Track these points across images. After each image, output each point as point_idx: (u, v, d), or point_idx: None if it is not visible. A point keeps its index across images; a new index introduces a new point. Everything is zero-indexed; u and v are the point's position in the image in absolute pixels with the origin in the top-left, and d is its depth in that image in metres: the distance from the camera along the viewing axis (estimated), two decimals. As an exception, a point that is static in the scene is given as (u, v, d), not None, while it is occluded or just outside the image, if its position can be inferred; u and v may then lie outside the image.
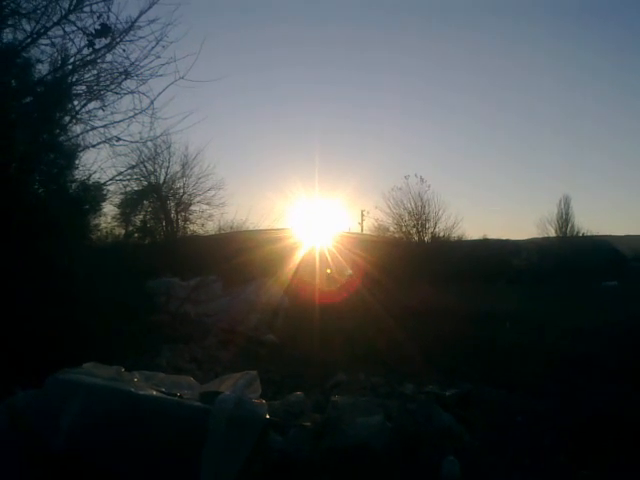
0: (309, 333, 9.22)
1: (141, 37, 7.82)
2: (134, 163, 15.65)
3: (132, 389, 3.95)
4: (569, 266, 25.29)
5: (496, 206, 57.65)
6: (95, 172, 9.40)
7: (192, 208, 22.25)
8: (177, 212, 22.01)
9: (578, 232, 36.14)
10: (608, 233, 36.95)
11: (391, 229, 28.72)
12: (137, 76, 8.12)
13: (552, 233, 36.51)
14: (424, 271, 20.38)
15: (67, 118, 8.62)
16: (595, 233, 35.61)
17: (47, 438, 3.67)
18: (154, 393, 3.97)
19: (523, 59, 64.55)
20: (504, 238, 34.56)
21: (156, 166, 21.19)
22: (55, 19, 7.39)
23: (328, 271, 17.07)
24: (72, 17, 7.36)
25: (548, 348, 8.80)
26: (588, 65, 65.08)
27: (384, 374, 6.51)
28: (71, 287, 7.17)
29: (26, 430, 3.74)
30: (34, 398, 3.93)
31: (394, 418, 4.55)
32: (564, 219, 36.63)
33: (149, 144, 14.96)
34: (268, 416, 3.94)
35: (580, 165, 62.51)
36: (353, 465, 4.00)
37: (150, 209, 20.95)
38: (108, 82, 8.24)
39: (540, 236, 36.37)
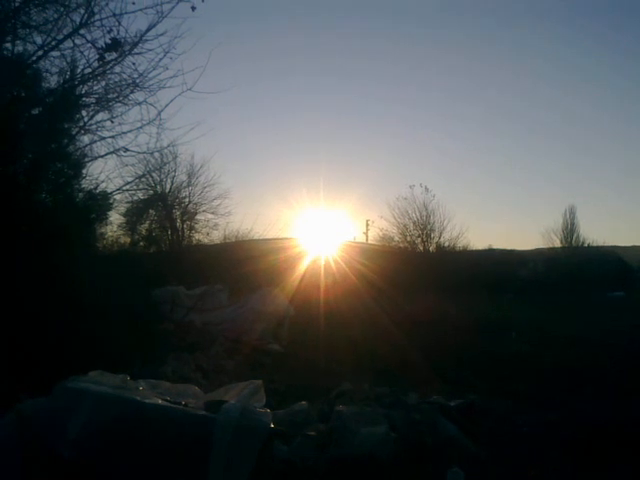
0: (314, 342, 9.23)
1: (149, 49, 7.94)
2: (141, 173, 15.83)
3: (138, 397, 3.97)
4: (575, 277, 25.17)
5: (501, 216, 57.60)
6: (102, 182, 9.51)
7: (198, 217, 22.31)
8: (183, 221, 22.07)
9: (584, 242, 35.91)
10: (614, 244, 36.86)
11: (396, 239, 28.57)
12: (145, 88, 8.25)
13: (557, 243, 36.27)
14: (429, 281, 20.28)
15: (76, 129, 8.74)
16: (601, 244, 35.42)
17: (54, 445, 3.70)
18: (160, 402, 3.99)
19: (529, 69, 64.89)
20: (509, 248, 34.50)
21: (162, 175, 21.29)
22: (66, 32, 7.52)
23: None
24: (83, 31, 7.49)
25: (553, 358, 8.77)
26: (595, 74, 65.30)
27: (389, 384, 6.49)
28: (77, 295, 7.20)
29: (33, 437, 3.76)
30: (41, 406, 3.96)
31: (399, 428, 4.55)
32: (569, 229, 36.41)
33: (156, 154, 15.06)
34: (273, 425, 3.95)
35: (586, 175, 62.59)
36: (357, 475, 4.00)
37: (156, 218, 21.02)
38: (116, 94, 8.37)
39: (545, 246, 36.19)
